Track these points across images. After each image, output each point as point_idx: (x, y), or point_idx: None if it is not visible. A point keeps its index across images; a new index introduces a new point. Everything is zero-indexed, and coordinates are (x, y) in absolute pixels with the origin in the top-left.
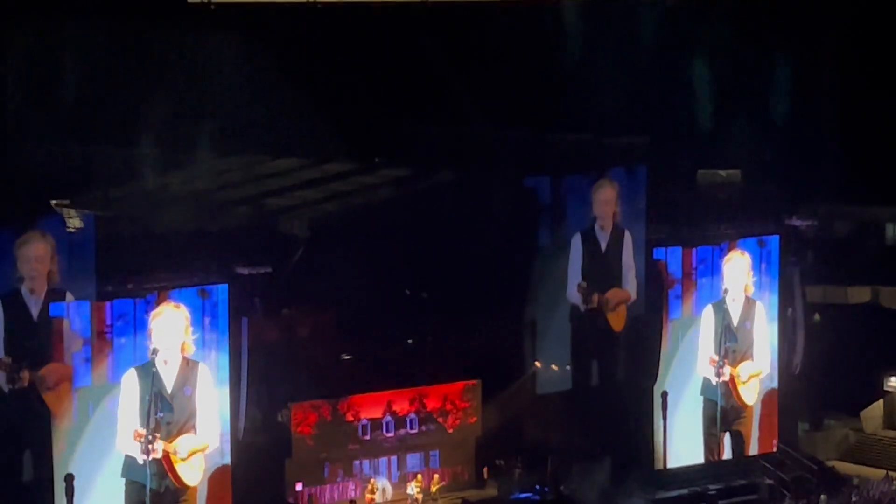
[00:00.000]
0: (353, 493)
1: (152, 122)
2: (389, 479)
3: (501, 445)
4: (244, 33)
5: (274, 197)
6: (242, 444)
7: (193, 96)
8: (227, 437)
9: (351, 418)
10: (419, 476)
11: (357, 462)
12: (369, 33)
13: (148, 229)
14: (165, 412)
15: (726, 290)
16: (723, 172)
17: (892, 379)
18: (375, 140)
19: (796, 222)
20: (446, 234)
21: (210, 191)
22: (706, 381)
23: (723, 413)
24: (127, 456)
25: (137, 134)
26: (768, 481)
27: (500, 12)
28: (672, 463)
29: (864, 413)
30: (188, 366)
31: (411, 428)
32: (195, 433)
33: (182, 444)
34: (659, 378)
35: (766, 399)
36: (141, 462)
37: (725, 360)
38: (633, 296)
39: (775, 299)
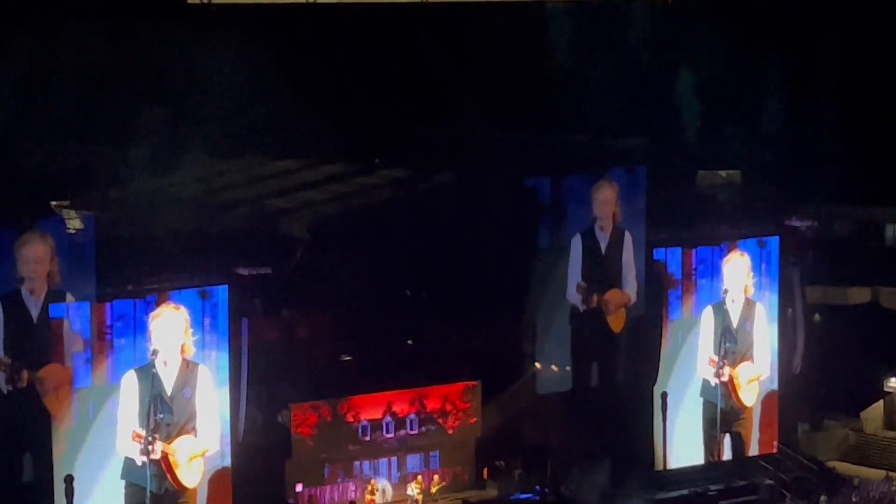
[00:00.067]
0: (353, 494)
1: (152, 123)
2: (389, 479)
3: (501, 446)
4: (244, 34)
5: (274, 198)
6: (242, 444)
7: (193, 97)
8: (227, 439)
9: (351, 419)
10: (419, 477)
11: (357, 463)
12: (369, 34)
13: (148, 230)
14: (165, 414)
15: (726, 291)
16: (723, 173)
17: (893, 379)
18: (375, 141)
19: (796, 223)
20: (446, 234)
21: (210, 192)
22: (706, 383)
23: (722, 415)
24: (126, 458)
25: (137, 135)
26: (768, 482)
27: (500, 12)
28: (672, 464)
29: (864, 413)
30: (188, 367)
31: (411, 429)
32: (195, 435)
33: (181, 449)
34: (659, 379)
35: (766, 400)
36: (140, 464)
37: (725, 361)
38: (633, 297)
39: (775, 300)
